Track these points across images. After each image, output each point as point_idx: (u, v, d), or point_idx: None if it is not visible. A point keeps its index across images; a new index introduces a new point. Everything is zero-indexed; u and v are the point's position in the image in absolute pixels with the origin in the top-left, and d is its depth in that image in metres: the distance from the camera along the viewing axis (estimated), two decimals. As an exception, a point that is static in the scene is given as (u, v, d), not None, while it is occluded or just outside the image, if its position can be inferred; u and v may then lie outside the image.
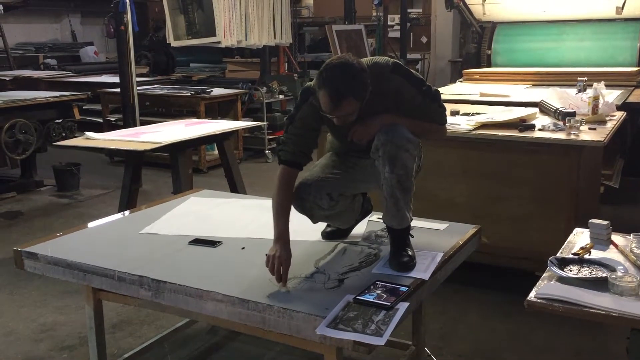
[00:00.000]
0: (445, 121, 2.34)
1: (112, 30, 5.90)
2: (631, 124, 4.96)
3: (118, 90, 6.06)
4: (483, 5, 6.81)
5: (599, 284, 1.69)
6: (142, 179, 5.95)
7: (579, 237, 2.14)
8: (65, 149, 5.30)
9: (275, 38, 6.84)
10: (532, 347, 2.93)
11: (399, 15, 10.56)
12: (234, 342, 2.99)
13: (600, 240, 2.06)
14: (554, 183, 3.25)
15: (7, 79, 7.97)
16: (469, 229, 2.60)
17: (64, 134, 5.38)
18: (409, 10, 11.64)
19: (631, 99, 4.93)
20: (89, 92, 6.05)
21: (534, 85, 5.75)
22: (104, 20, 10.29)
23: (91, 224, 2.79)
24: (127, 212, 2.98)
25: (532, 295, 1.66)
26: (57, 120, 5.49)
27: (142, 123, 5.89)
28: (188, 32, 6.21)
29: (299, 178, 2.29)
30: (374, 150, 2.17)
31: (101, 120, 7.13)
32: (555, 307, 1.60)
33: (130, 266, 2.23)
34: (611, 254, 1.99)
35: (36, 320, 3.25)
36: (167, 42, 6.31)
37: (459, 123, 3.60)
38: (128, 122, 5.79)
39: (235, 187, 4.45)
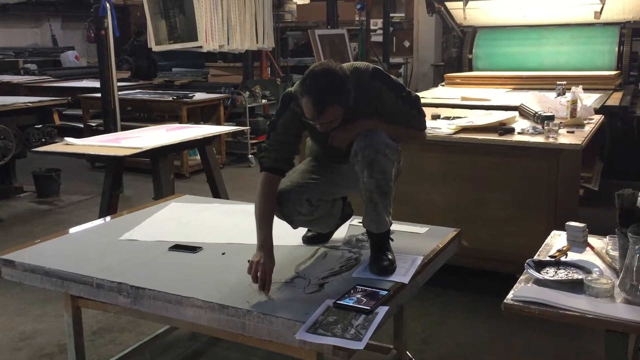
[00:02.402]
0: (425, 127, 2.35)
1: (92, 34, 5.85)
2: (610, 127, 5.02)
3: (99, 95, 6.01)
4: (464, 10, 6.85)
5: (575, 286, 1.71)
6: (124, 185, 5.91)
7: (557, 240, 2.16)
8: (46, 155, 5.26)
9: (257, 42, 6.83)
10: (513, 349, 2.95)
11: (382, 20, 10.63)
12: (216, 347, 2.97)
13: (577, 243, 2.08)
14: (533, 186, 3.28)
15: (-14, 84, 7.90)
16: (449, 233, 2.61)
17: (43, 140, 5.33)
18: (391, 15, 11.69)
19: (609, 103, 4.99)
20: (69, 98, 6.00)
21: (514, 89, 5.80)
22: (84, 24, 10.22)
23: (70, 231, 2.76)
24: (107, 218, 2.96)
25: (509, 298, 1.68)
26: (36, 126, 5.45)
27: (124, 128, 5.86)
28: (169, 36, 6.18)
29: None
30: (352, 155, 2.18)
31: (82, 126, 7.07)
32: (531, 309, 1.61)
33: (109, 273, 2.21)
34: (588, 256, 2.00)
35: (15, 329, 3.21)
36: (149, 46, 6.27)
37: (439, 127, 3.62)
38: (109, 127, 5.75)
39: (218, 192, 4.44)
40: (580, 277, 1.74)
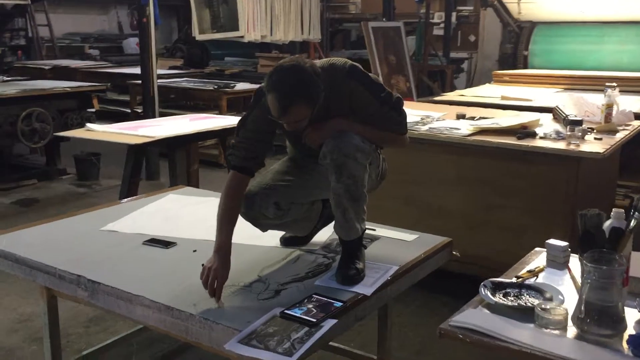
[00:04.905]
0: (405, 131, 2.19)
1: (135, 22, 5.94)
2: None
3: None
4: (518, 4, 6.53)
5: (527, 314, 1.53)
6: (160, 172, 6.02)
7: (535, 258, 1.97)
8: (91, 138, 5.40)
9: (302, 34, 6.74)
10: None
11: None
12: (202, 344, 2.92)
13: (557, 264, 1.89)
14: (549, 195, 3.05)
15: (45, 68, 8.17)
16: (437, 242, 2.44)
17: (82, 124, 5.45)
18: (460, 8, 11.34)
19: (664, 107, 4.61)
20: (108, 84, 6.13)
21: (566, 89, 5.47)
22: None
23: (59, 218, 2.77)
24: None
25: (447, 322, 1.53)
26: (89, 109, 5.61)
27: (164, 115, 5.93)
28: (213, 26, 6.20)
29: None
30: (321, 157, 2.05)
31: (129, 111, 7.21)
32: (468, 336, 1.45)
33: (73, 264, 2.18)
34: (563, 279, 1.81)
35: (16, 310, 3.28)
36: (192, 35, 6.31)
37: (459, 128, 3.43)
38: (148, 113, 5.83)
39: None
40: (536, 303, 1.56)
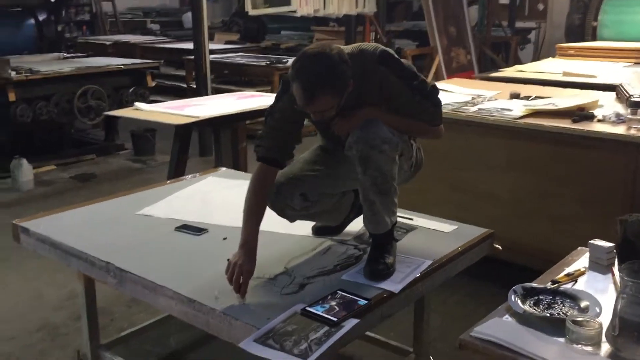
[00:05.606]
0: (439, 122, 2.06)
1: (188, -2, 5.93)
2: None
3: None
4: (587, -29, 6.15)
5: (558, 326, 1.41)
6: (213, 149, 6.04)
7: (578, 259, 1.82)
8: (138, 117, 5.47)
9: (357, 7, 6.57)
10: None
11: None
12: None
13: (600, 267, 1.74)
14: (606, 184, 2.86)
15: (107, 43, 8.32)
16: (477, 234, 2.32)
17: (137, 101, 5.52)
18: (529, -25, 10.84)
19: None
20: (162, 60, 6.16)
21: (636, 63, 5.13)
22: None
23: (99, 201, 2.79)
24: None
25: (468, 333, 1.43)
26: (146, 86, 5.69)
27: (218, 91, 5.95)
28: (265, 0, 6.11)
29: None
30: (347, 148, 1.96)
31: (185, 86, 7.26)
32: (489, 350, 1.35)
33: (105, 250, 2.18)
34: (606, 285, 1.67)
35: (66, 287, 3.35)
36: (245, 10, 6.25)
37: (510, 109, 3.25)
38: (200, 90, 5.85)
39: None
40: (569, 313, 1.44)
